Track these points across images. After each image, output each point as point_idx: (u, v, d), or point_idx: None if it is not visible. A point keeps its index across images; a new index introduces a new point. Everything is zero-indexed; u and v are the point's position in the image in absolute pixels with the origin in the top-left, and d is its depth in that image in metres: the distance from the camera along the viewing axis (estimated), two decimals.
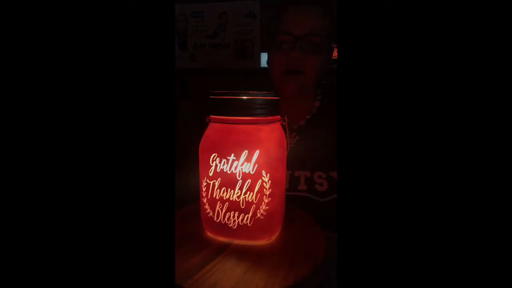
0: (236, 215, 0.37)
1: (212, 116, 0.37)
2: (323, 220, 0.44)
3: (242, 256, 0.35)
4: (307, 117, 0.66)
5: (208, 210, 0.39)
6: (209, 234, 0.41)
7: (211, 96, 0.36)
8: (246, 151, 0.35)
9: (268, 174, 0.36)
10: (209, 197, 0.38)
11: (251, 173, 0.36)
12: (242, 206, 0.37)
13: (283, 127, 0.42)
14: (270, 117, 0.37)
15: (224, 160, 0.36)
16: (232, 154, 0.36)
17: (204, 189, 0.39)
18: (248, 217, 0.37)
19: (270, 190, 0.37)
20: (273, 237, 0.40)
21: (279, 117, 0.39)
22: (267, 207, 0.37)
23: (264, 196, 0.37)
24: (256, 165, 0.36)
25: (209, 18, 1.05)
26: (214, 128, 0.37)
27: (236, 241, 0.39)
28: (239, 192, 0.36)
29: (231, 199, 0.37)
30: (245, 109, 0.36)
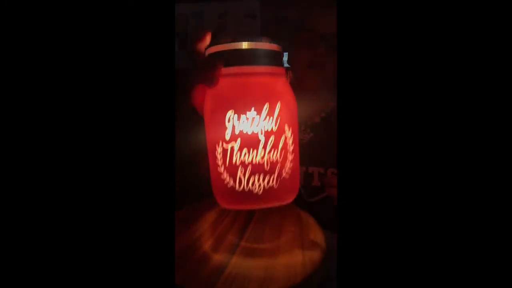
0: (261, 178, 0.34)
1: (224, 69, 0.33)
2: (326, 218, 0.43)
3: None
4: (321, 115, 0.67)
5: (228, 179, 0.34)
6: (227, 207, 0.37)
7: (223, 44, 0.32)
8: (268, 103, 0.32)
9: (291, 129, 0.34)
10: (227, 164, 0.34)
11: (274, 129, 0.33)
12: (267, 167, 0.34)
13: None
14: (284, 69, 0.35)
15: (243, 117, 0.32)
16: (253, 109, 0.32)
17: (219, 157, 0.34)
18: (273, 178, 0.34)
19: (293, 146, 0.35)
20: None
21: (284, 71, 0.38)
22: (291, 165, 0.35)
23: (288, 153, 0.35)
24: (279, 119, 0.33)
25: (209, 18, 1.04)
26: (227, 83, 0.33)
27: (262, 207, 0.36)
28: (263, 152, 0.33)
29: (254, 161, 0.33)
30: (263, 58, 0.33)
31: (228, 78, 0.33)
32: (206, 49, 0.35)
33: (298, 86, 0.38)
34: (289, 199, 0.36)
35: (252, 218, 0.38)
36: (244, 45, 0.32)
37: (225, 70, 0.33)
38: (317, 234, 0.35)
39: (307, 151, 0.56)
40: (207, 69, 0.33)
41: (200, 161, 0.39)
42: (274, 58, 0.34)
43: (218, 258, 0.30)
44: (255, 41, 0.32)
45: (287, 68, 0.37)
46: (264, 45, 0.33)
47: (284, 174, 0.35)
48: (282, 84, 0.34)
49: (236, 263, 0.29)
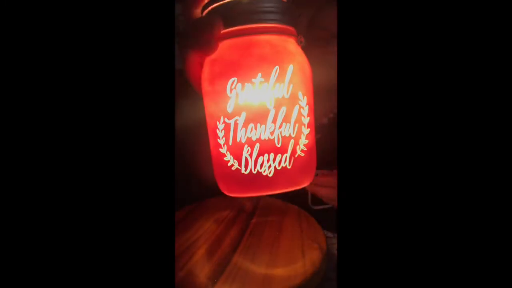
0: (272, 158, 0.29)
1: (224, 30, 0.27)
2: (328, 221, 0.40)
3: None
4: (329, 115, 0.62)
5: (232, 161, 0.29)
6: (232, 194, 0.31)
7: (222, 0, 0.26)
8: (278, 67, 0.27)
9: (305, 97, 0.29)
10: (230, 142, 0.28)
11: (286, 96, 0.28)
12: (278, 144, 0.28)
13: None
14: (291, 28, 0.30)
15: (248, 85, 0.27)
16: (259, 75, 0.27)
17: (221, 135, 0.29)
18: (286, 157, 0.29)
19: (309, 118, 0.29)
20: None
21: (295, 30, 0.32)
22: (307, 141, 0.30)
23: (303, 127, 0.29)
24: (292, 85, 0.28)
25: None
26: (227, 46, 0.28)
27: (274, 192, 0.30)
28: (273, 127, 0.28)
29: (262, 138, 0.28)
30: (270, 13, 0.27)
31: (229, 40, 0.28)
32: (202, 10, 0.29)
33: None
34: (306, 182, 0.31)
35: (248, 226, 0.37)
36: None
37: (225, 32, 0.27)
38: (317, 235, 0.34)
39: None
40: (204, 30, 0.27)
41: (199, 143, 0.33)
42: (283, 14, 0.28)
43: (216, 259, 0.30)
44: None
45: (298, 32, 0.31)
46: None
47: (298, 152, 0.29)
48: (293, 45, 0.29)
49: (236, 263, 0.29)
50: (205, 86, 0.29)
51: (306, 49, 0.42)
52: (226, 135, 0.28)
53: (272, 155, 0.28)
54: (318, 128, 0.64)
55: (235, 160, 0.29)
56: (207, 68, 0.28)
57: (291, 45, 0.29)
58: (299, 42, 0.32)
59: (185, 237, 0.35)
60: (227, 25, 0.27)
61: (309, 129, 0.29)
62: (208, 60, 0.28)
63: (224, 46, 0.28)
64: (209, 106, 0.29)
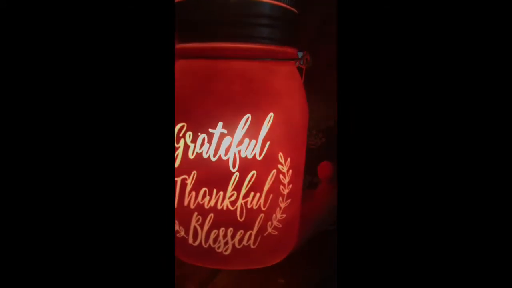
0: (229, 234, 0.21)
1: (181, 45, 0.18)
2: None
3: None
4: (336, 118, 0.50)
5: (177, 227, 0.21)
6: (183, 259, 0.24)
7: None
8: (249, 115, 0.18)
9: (289, 159, 0.20)
10: (175, 205, 0.21)
11: (258, 158, 0.19)
12: (241, 218, 0.20)
13: (299, 71, 0.24)
14: (288, 48, 0.20)
15: (202, 136, 0.18)
16: (220, 124, 0.18)
17: None
18: (251, 235, 0.21)
19: (290, 186, 0.21)
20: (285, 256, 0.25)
21: (296, 51, 0.22)
22: (284, 215, 0.21)
23: (281, 199, 0.21)
24: (268, 142, 0.19)
25: None
26: (180, 71, 0.19)
27: (230, 268, 0.23)
28: (235, 194, 0.20)
29: (219, 207, 0.20)
30: (255, 26, 0.17)
31: (183, 63, 0.18)
32: None
33: (316, 87, 0.23)
34: (275, 260, 0.23)
35: None
36: None
37: (178, 48, 0.18)
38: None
39: (317, 158, 0.43)
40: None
41: None
42: (278, 27, 0.18)
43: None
44: None
45: (300, 52, 0.21)
46: (274, 2, 0.17)
47: (269, 230, 0.21)
48: (285, 76, 0.19)
49: None
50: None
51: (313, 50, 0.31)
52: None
53: (230, 230, 0.20)
54: (324, 132, 0.55)
55: (180, 227, 0.21)
56: None
57: (281, 77, 0.19)
58: (302, 64, 0.22)
59: None
60: (182, 39, 0.18)
61: (289, 200, 0.21)
62: None
63: (180, 70, 0.18)
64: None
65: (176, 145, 0.18)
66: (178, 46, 0.18)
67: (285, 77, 0.19)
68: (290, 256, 0.25)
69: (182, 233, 0.21)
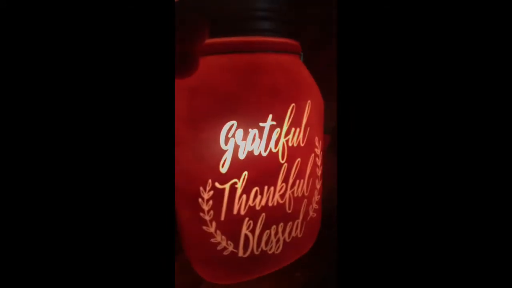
0: (280, 230, 0.20)
1: (210, 42, 0.16)
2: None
3: None
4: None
5: (224, 242, 0.19)
6: (221, 282, 0.21)
7: None
8: (294, 104, 0.18)
9: (320, 142, 0.21)
10: (223, 217, 0.18)
11: (301, 144, 0.19)
12: (289, 209, 0.20)
13: None
14: (297, 42, 0.21)
15: (253, 131, 0.17)
16: (270, 116, 0.17)
17: (207, 206, 0.18)
18: (297, 224, 0.21)
19: (322, 167, 0.22)
20: None
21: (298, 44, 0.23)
22: (319, 197, 0.22)
23: (317, 181, 0.22)
24: (309, 128, 0.20)
25: None
26: (217, 67, 0.17)
27: (275, 269, 0.22)
28: (284, 187, 0.19)
29: (270, 204, 0.19)
30: (272, 20, 0.17)
31: (218, 58, 0.17)
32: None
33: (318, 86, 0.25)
34: (311, 244, 0.24)
35: None
36: None
37: (212, 43, 0.17)
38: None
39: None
40: (179, 37, 0.16)
41: None
42: (287, 22, 0.20)
43: None
44: None
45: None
46: None
47: (311, 214, 0.22)
48: (305, 69, 0.21)
49: None
50: (181, 130, 0.17)
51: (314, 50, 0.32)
52: (216, 208, 0.18)
53: (281, 225, 0.20)
54: (326, 132, 0.56)
55: (229, 242, 0.19)
56: (183, 101, 0.17)
57: (304, 69, 0.20)
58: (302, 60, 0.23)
59: None
60: (215, 33, 0.16)
61: (321, 182, 0.22)
62: (184, 87, 0.17)
63: (210, 67, 0.17)
64: (187, 163, 0.18)
65: (224, 148, 0.17)
66: (210, 41, 0.16)
67: (305, 68, 0.21)
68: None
69: (231, 248, 0.19)
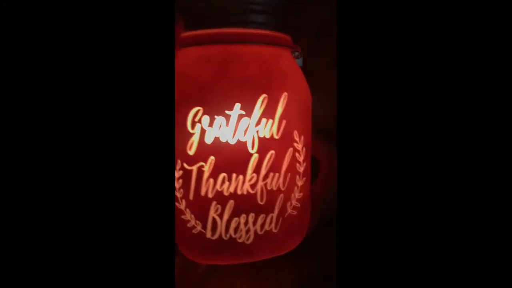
0: (251, 220, 0.20)
1: (188, 34, 0.18)
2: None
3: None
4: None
5: (193, 221, 0.20)
6: (196, 260, 0.23)
7: None
8: (265, 95, 0.18)
9: (302, 137, 0.20)
10: (191, 196, 0.20)
11: (275, 137, 0.19)
12: (261, 201, 0.20)
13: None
14: (287, 36, 0.21)
15: (219, 118, 0.18)
16: (237, 105, 0.18)
17: (178, 185, 0.20)
18: (272, 218, 0.21)
19: (305, 164, 0.21)
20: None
21: (291, 39, 0.23)
22: (301, 194, 0.21)
23: (298, 177, 0.21)
24: (284, 121, 0.19)
25: None
26: (193, 58, 0.18)
27: (251, 261, 0.22)
28: (254, 177, 0.19)
29: (239, 192, 0.19)
30: (258, 13, 0.18)
31: (195, 49, 0.19)
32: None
33: (316, 86, 0.24)
34: (293, 245, 0.23)
35: None
36: None
37: (188, 35, 0.18)
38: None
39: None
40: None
41: None
42: (275, 14, 0.19)
43: None
44: None
45: (294, 43, 0.22)
46: None
47: (289, 210, 0.21)
48: (288, 61, 0.20)
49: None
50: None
51: (306, 66, 0.31)
52: (185, 186, 0.19)
53: (252, 216, 0.20)
54: (324, 132, 0.55)
55: (197, 221, 0.20)
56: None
57: (286, 61, 0.20)
58: (294, 55, 0.23)
59: None
60: (192, 25, 0.18)
61: (304, 178, 0.21)
62: None
63: (187, 58, 0.18)
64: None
65: (191, 131, 0.18)
66: (188, 33, 0.18)
67: (290, 61, 0.20)
68: (290, 254, 0.24)
69: (199, 227, 0.20)
